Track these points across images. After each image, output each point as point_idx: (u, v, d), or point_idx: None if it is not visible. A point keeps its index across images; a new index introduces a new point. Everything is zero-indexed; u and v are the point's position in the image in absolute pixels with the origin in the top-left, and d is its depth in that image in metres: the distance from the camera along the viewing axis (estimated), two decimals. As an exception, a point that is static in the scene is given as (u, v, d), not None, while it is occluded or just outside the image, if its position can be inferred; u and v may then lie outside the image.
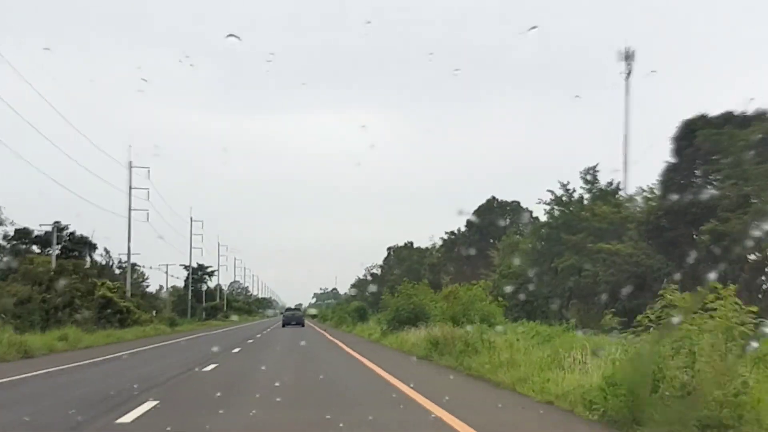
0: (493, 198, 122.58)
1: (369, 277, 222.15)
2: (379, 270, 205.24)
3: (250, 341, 44.99)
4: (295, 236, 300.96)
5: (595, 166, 79.38)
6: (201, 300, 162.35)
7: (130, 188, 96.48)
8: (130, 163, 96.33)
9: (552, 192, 78.97)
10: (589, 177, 79.04)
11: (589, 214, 71.78)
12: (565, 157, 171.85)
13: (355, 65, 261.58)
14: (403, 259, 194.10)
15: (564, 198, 78.22)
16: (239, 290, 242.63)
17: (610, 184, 78.61)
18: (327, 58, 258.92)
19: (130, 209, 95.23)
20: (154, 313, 71.99)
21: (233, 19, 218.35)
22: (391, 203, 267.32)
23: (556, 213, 79.31)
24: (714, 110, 62.46)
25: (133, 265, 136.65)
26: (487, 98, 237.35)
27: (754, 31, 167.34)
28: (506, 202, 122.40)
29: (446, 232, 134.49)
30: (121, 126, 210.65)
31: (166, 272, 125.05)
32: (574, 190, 78.11)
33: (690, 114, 62.71)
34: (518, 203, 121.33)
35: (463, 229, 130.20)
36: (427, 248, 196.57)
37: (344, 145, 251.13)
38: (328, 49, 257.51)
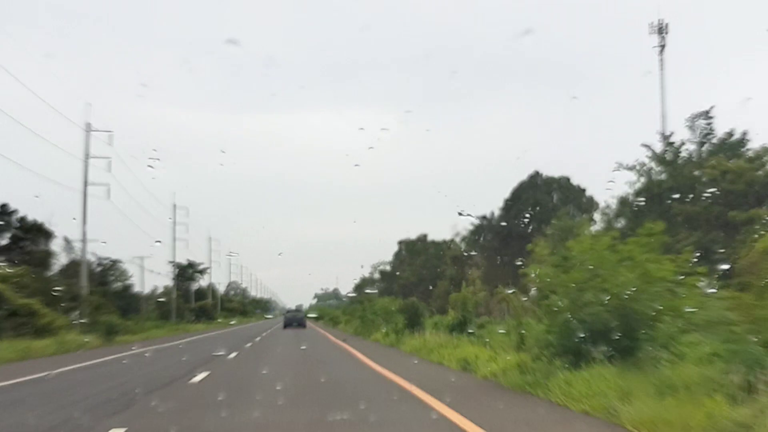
0: (537, 173, 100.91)
1: (378, 275, 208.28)
2: (389, 266, 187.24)
3: (200, 378, 22.12)
4: (295, 237, 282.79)
5: (707, 111, 58.20)
6: (190, 300, 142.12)
7: (87, 156, 75.67)
8: (88, 125, 75.56)
9: (648, 147, 57.97)
10: (700, 127, 57.82)
11: (718, 174, 50.49)
12: (567, 157, 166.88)
13: (355, 66, 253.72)
14: (417, 253, 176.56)
15: (668, 155, 57.03)
16: (237, 291, 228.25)
17: (730, 134, 57.30)
18: (327, 58, 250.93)
19: (85, 182, 74.51)
20: (76, 314, 50.47)
21: (232, 21, 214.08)
22: (393, 203, 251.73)
23: (646, 178, 58.22)
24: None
25: (115, 261, 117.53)
26: (487, 98, 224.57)
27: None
28: (553, 178, 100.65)
29: (477, 217, 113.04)
30: (121, 127, 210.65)
31: (141, 265, 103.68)
32: (683, 143, 56.99)
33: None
34: (568, 179, 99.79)
35: (497, 212, 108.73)
36: (444, 241, 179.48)
37: (344, 145, 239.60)
38: (328, 50, 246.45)
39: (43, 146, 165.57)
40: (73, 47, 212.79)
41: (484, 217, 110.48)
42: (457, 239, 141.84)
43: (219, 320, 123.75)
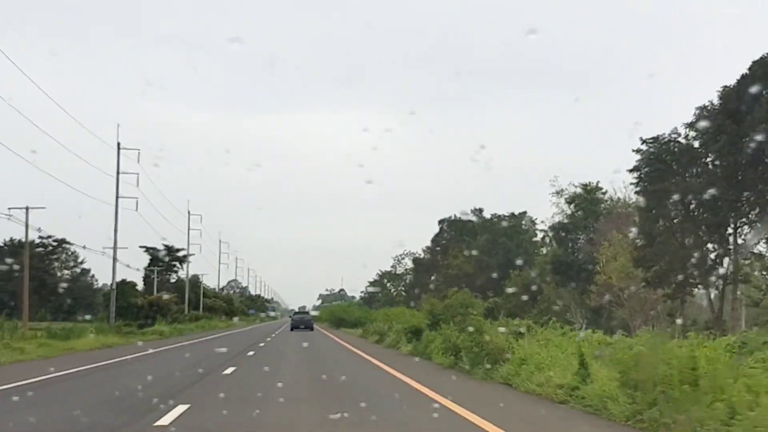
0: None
1: (406, 268, 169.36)
2: (427, 253, 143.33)
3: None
4: (298, 237, 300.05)
5: None
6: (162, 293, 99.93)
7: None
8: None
9: None
10: None
11: None
12: (568, 159, 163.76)
13: (359, 65, 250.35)
14: (471, 233, 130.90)
15: None
16: (237, 290, 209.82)
17: None
18: (330, 58, 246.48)
19: None
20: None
21: (236, 21, 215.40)
22: (396, 203, 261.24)
23: None
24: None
25: (60, 242, 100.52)
26: (492, 98, 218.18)
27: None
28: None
29: (642, 141, 61.77)
30: (121, 128, 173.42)
31: (23, 225, 56.54)
32: None
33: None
34: None
35: (682, 131, 60.48)
36: (513, 214, 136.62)
37: (347, 145, 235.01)
38: (329, 51, 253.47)
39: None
40: (74, 46, 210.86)
41: (654, 141, 61.05)
42: (561, 202, 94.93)
43: (158, 327, 76.56)
